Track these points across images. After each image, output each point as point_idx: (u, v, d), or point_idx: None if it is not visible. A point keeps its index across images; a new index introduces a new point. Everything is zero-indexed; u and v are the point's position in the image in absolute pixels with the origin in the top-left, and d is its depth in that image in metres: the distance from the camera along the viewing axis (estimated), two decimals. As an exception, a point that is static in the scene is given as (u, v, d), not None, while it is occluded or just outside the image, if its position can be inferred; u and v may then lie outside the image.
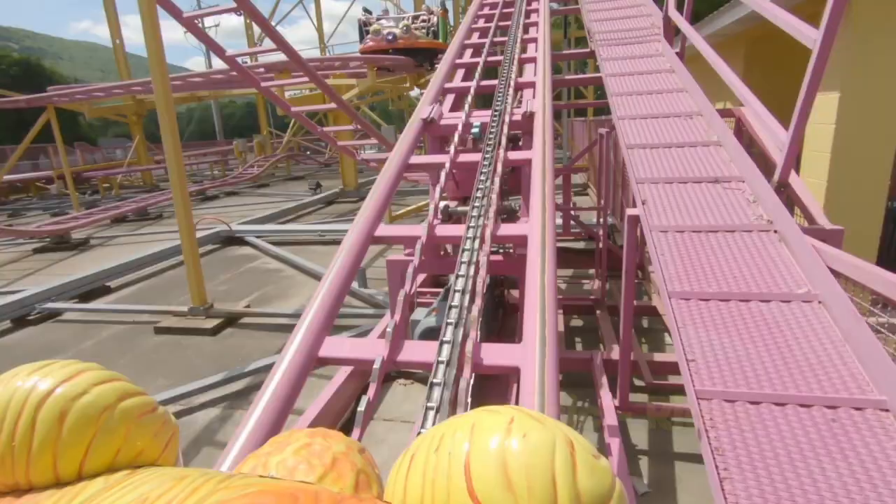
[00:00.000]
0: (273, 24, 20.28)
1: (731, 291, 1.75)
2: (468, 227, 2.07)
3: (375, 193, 2.38)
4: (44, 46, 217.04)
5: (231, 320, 4.82)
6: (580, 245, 6.09)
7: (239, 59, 5.50)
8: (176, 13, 4.50)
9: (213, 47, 5.02)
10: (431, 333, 2.65)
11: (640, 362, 3.15)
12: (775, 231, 1.99)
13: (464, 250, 1.93)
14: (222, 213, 11.69)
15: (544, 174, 2.38)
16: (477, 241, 1.99)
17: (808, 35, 1.79)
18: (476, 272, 1.79)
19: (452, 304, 1.62)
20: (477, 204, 2.14)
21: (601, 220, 4.76)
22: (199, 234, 8.26)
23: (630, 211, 2.35)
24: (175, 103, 19.97)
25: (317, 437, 0.56)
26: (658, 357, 3.25)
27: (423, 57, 10.84)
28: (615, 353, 3.25)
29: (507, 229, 2.14)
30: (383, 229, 2.28)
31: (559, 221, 5.83)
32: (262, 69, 8.59)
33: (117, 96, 13.17)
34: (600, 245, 4.79)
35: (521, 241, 2.07)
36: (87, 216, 10.45)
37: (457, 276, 1.76)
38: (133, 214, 11.73)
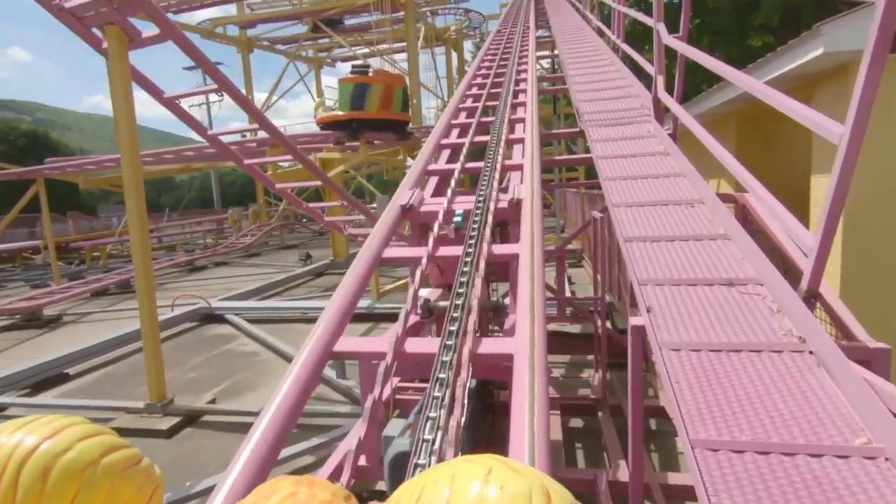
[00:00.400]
0: (276, 98, 20.89)
1: (769, 441, 1.38)
2: (442, 345, 1.74)
3: (336, 300, 2.05)
4: (55, 119, 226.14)
5: (191, 418, 4.33)
6: (576, 329, 5.72)
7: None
8: (157, 93, 4.41)
9: (194, 126, 4.91)
10: (404, 459, 2.25)
11: (651, 485, 2.69)
12: (810, 352, 1.66)
13: (441, 361, 1.67)
14: (207, 286, 11.34)
15: (533, 274, 2.07)
16: (454, 357, 1.69)
17: (833, 131, 1.56)
18: (454, 382, 1.55)
19: (429, 414, 1.42)
20: (455, 319, 1.81)
21: (598, 306, 4.43)
22: (175, 312, 7.89)
23: (634, 320, 2.02)
24: (173, 173, 20.13)
25: (302, 485, 0.55)
26: (673, 478, 2.79)
27: (384, 129, 9.71)
28: (622, 472, 2.79)
29: (489, 345, 1.81)
30: (343, 343, 1.93)
31: (554, 309, 5.50)
32: (254, 144, 8.60)
33: (109, 168, 13.23)
34: (599, 330, 4.43)
35: (507, 360, 1.75)
36: (66, 290, 10.07)
37: (434, 381, 1.54)
38: (115, 287, 11.34)
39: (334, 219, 7.48)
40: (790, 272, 2.26)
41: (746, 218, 2.87)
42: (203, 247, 19.25)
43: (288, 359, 5.85)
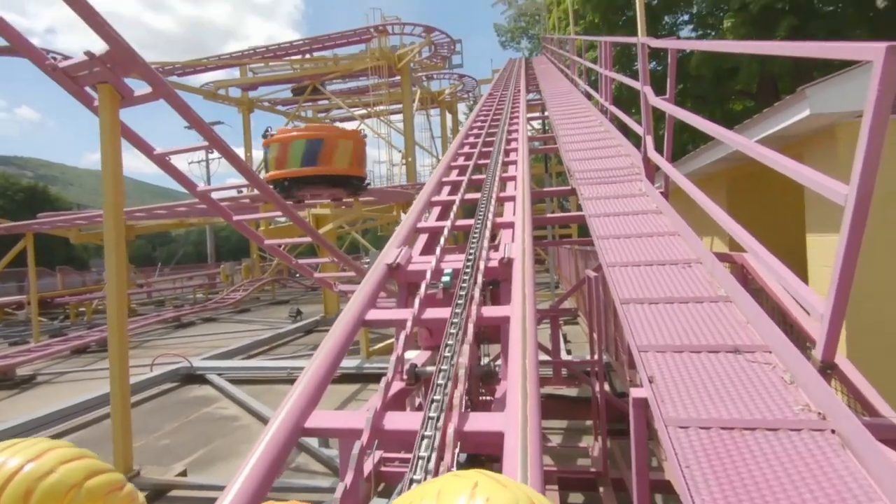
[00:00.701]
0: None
1: (800, 543, 1.19)
2: (425, 419, 1.58)
3: (311, 369, 1.88)
4: (58, 174, 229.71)
5: (158, 492, 3.97)
6: (573, 392, 5.46)
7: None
8: (147, 150, 4.39)
9: (184, 183, 4.87)
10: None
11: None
12: (832, 431, 1.49)
13: (423, 437, 1.50)
14: (193, 343, 10.99)
15: (525, 341, 1.93)
16: (438, 436, 1.52)
17: (838, 191, 1.48)
18: (437, 464, 1.40)
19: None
20: (437, 399, 1.65)
21: (595, 368, 4.23)
22: (155, 372, 7.55)
23: (635, 392, 1.86)
24: (167, 228, 20.07)
25: None
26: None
27: (336, 184, 9.27)
28: (629, 561, 2.51)
29: (477, 421, 1.64)
30: (316, 418, 1.74)
31: (549, 370, 5.28)
32: (247, 200, 8.60)
33: (99, 223, 13.19)
34: (598, 394, 4.20)
35: (497, 438, 1.57)
36: (44, 348, 9.70)
37: (416, 461, 1.40)
38: (97, 345, 10.95)
39: (325, 275, 7.34)
40: (794, 335, 2.13)
41: (745, 278, 2.77)
42: (192, 302, 18.90)
43: (269, 424, 5.51)
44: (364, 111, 22.87)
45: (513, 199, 3.78)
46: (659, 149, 3.86)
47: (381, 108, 20.66)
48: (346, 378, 7.01)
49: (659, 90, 3.69)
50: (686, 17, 17.72)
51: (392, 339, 8.56)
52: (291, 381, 6.77)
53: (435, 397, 1.66)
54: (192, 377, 7.67)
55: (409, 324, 2.15)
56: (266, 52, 22.37)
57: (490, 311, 2.26)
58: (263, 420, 5.69)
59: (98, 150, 3.79)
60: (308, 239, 6.46)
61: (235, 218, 5.43)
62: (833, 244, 3.60)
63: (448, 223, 3.32)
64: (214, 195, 5.48)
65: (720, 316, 2.12)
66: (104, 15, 3.53)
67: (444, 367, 1.82)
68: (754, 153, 1.88)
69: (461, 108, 29.09)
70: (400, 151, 20.98)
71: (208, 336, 12.12)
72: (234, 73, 23.12)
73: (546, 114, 9.32)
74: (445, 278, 2.57)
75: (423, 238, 3.46)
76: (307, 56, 22.15)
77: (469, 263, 2.59)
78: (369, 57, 19.44)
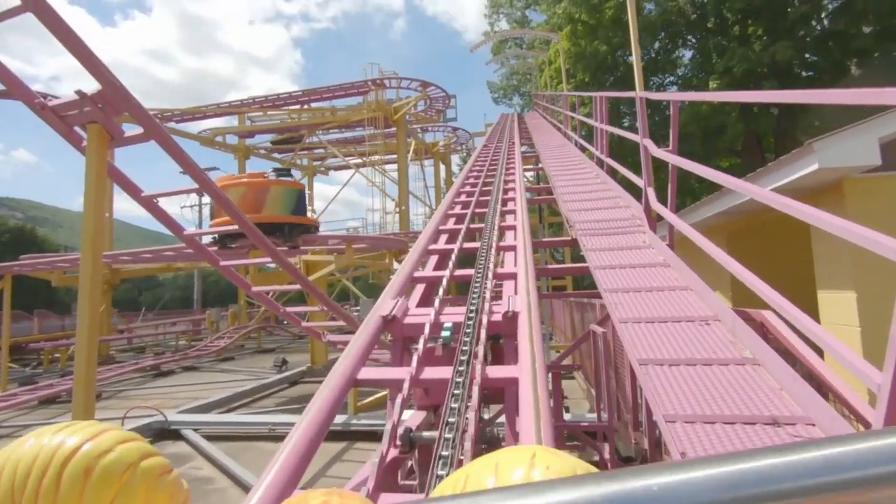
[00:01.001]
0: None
1: None
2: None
3: (295, 436, 1.64)
4: (49, 216, 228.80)
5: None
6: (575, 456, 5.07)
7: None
8: (134, 192, 4.24)
9: (170, 226, 4.70)
10: None
11: None
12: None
13: None
14: (171, 394, 10.43)
15: (537, 408, 1.71)
16: None
17: (892, 247, 1.33)
18: None
19: None
20: (441, 474, 1.41)
21: (602, 430, 3.95)
22: (127, 426, 7.05)
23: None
24: (155, 272, 19.68)
25: (333, 496, 0.54)
26: None
27: (277, 231, 8.84)
28: None
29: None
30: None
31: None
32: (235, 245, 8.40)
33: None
34: (606, 459, 3.90)
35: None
36: (9, 398, 9.13)
37: None
38: (67, 395, 10.34)
39: (313, 324, 7.06)
40: (831, 402, 1.93)
41: (767, 338, 2.60)
42: (174, 349, 18.24)
43: (246, 488, 5.07)
44: (359, 160, 23.20)
45: (513, 248, 3.64)
46: (660, 200, 3.79)
47: (377, 157, 20.97)
48: (333, 435, 6.57)
49: (655, 141, 3.66)
50: (672, 79, 18.53)
51: (382, 393, 8.16)
52: (274, 439, 6.30)
53: (439, 472, 1.43)
54: (166, 432, 7.17)
55: (405, 385, 1.93)
56: (265, 101, 22.89)
57: (496, 372, 2.04)
58: (240, 483, 5.25)
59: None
60: (297, 286, 6.24)
61: (223, 263, 5.21)
62: (849, 302, 3.44)
63: (447, 272, 3.14)
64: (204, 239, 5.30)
65: (749, 381, 1.93)
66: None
67: (447, 434, 1.60)
68: (792, 209, 1.75)
69: (455, 159, 29.70)
70: (393, 200, 21.13)
71: (188, 386, 11.55)
72: (233, 121, 23.54)
73: (540, 165, 9.41)
74: (445, 333, 2.37)
75: (420, 288, 3.28)
76: (305, 106, 22.68)
77: (471, 317, 2.40)
78: (366, 108, 19.92)
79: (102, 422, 0.65)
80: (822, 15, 15.32)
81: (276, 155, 24.99)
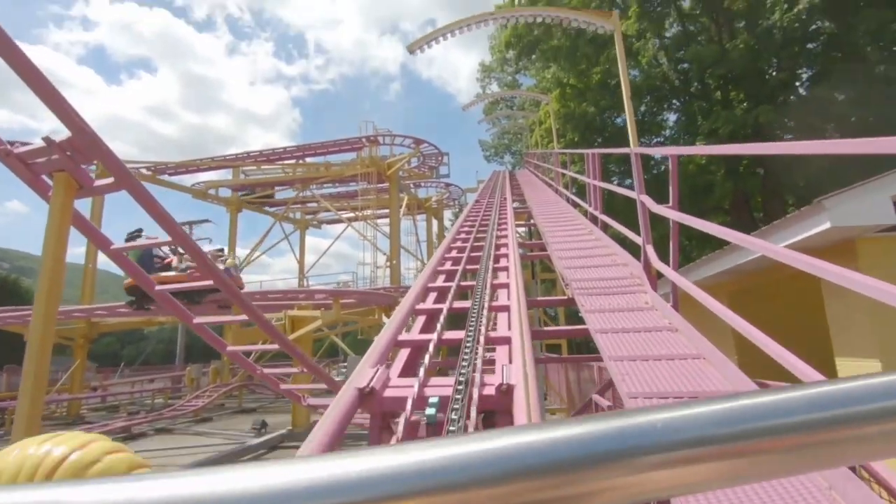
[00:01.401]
0: (258, 253, 21.07)
1: None
2: None
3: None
4: (35, 266, 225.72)
5: None
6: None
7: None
8: (103, 244, 3.98)
9: (143, 282, 4.40)
10: None
11: None
12: None
13: None
14: (137, 461, 9.65)
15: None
16: None
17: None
18: None
19: None
20: None
21: None
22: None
23: None
24: (135, 326, 18.99)
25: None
26: None
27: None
28: None
29: None
30: None
31: None
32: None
33: (61, 320, 12.34)
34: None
35: None
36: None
37: None
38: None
39: (293, 387, 6.60)
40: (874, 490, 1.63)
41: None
42: (149, 409, 17.27)
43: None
44: (352, 214, 23.24)
45: (507, 308, 3.37)
46: (659, 258, 3.59)
47: (369, 212, 21.01)
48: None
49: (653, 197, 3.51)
50: (659, 140, 19.07)
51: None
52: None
53: None
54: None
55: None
56: (259, 155, 23.17)
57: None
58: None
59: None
60: (271, 346, 5.87)
61: (196, 321, 4.87)
62: (870, 370, 3.17)
63: (434, 336, 2.85)
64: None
65: (788, 475, 1.63)
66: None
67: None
68: (815, 268, 1.53)
69: (447, 214, 29.92)
70: (385, 254, 20.97)
71: (159, 451, 10.75)
72: (228, 175, 23.69)
73: (532, 221, 9.32)
74: (430, 410, 2.05)
75: (404, 353, 2.97)
76: (299, 161, 22.97)
77: (460, 389, 2.10)
78: (360, 164, 20.18)
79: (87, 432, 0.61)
80: (797, 84, 16.07)
81: (268, 209, 25.01)
